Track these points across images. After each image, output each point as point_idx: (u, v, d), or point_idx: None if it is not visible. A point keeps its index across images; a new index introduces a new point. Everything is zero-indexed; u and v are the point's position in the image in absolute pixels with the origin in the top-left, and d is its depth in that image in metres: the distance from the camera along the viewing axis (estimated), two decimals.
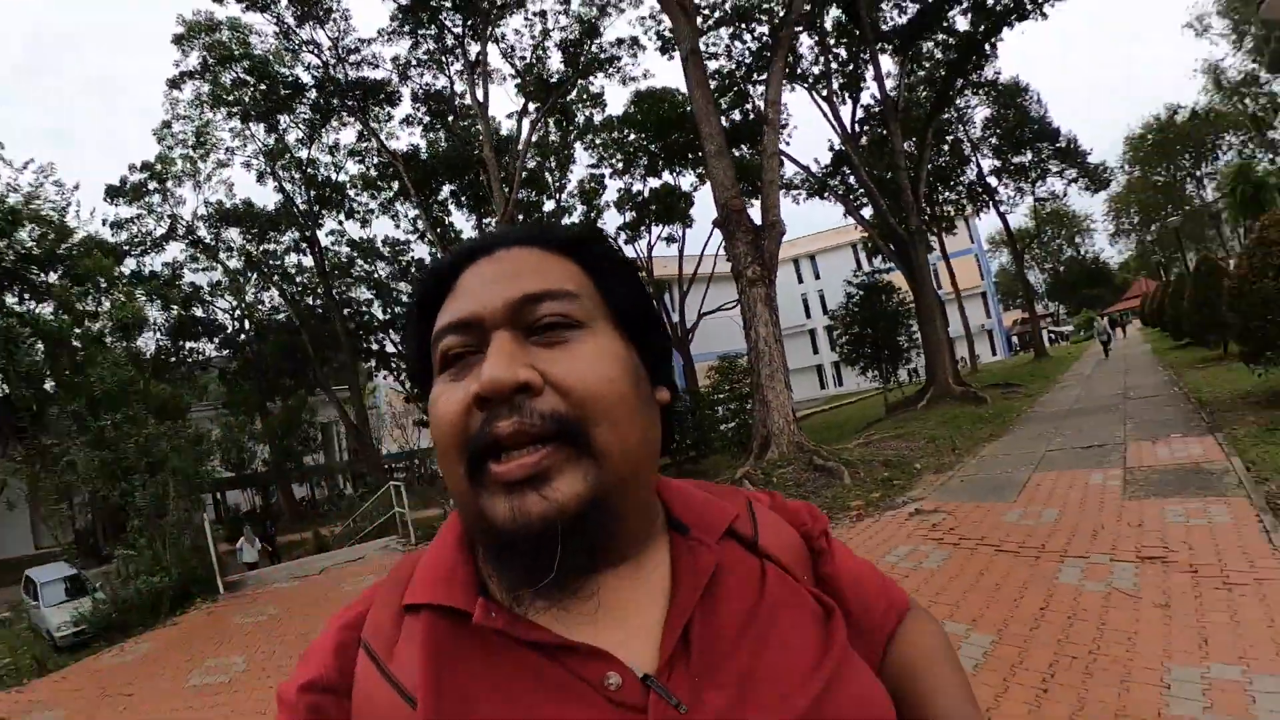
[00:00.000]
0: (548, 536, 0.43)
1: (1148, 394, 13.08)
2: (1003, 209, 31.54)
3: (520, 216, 19.96)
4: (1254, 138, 36.33)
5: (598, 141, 26.09)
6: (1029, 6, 17.47)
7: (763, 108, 14.09)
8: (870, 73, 19.66)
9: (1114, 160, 43.71)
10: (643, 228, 28.93)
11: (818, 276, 50.51)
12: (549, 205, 26.72)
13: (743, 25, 19.90)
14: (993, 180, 30.19)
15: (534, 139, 22.22)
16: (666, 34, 18.66)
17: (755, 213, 11.76)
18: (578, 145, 26.30)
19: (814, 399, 42.97)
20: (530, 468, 0.44)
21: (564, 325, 0.49)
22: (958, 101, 25.98)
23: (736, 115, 20.75)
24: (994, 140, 28.75)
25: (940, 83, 21.46)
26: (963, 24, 19.31)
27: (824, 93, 20.71)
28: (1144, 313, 38.20)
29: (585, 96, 24.63)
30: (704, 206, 39.11)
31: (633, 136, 24.62)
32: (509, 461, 0.44)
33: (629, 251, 28.45)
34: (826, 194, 22.72)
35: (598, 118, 25.45)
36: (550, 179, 26.67)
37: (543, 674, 0.45)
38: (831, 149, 22.25)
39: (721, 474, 11.54)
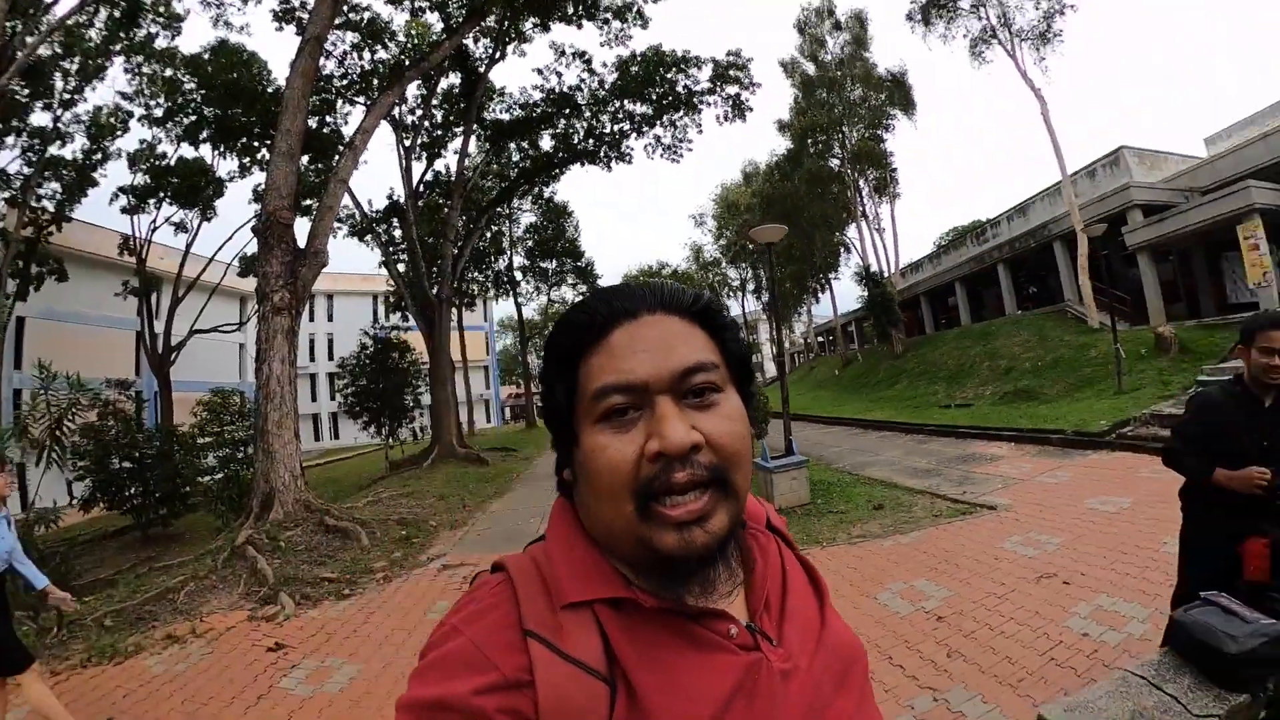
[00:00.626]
0: (708, 557, 0.59)
1: None
2: (520, 300, 36.26)
3: None
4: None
5: (145, 71, 20.00)
6: (601, 158, 20.63)
7: (351, 132, 13.15)
8: (455, 145, 20.32)
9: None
10: (152, 201, 22.52)
11: (331, 319, 47.95)
12: (41, 117, 19.08)
13: (372, 42, 18.33)
14: (519, 275, 34.86)
15: (70, 20, 15.87)
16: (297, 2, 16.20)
17: (300, 235, 10.51)
18: (120, 60, 19.63)
19: (310, 450, 39.28)
20: (697, 511, 0.58)
21: (711, 390, 0.62)
22: (515, 202, 29.21)
23: (314, 122, 18.57)
24: (530, 243, 33.73)
25: (510, 181, 23.45)
26: (547, 145, 21.54)
27: (407, 142, 20.25)
28: None
29: (162, 9, 18.96)
30: (233, 204, 32.52)
31: (191, 86, 19.13)
32: (681, 505, 0.57)
33: (125, 224, 22.60)
34: (368, 238, 21.70)
35: (162, 41, 19.64)
36: (62, 82, 18.92)
37: (692, 634, 0.61)
38: (390, 198, 21.57)
39: (208, 539, 9.55)
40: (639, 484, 0.57)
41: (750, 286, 50.03)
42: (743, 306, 51.37)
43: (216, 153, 21.04)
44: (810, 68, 29.01)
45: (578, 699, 0.55)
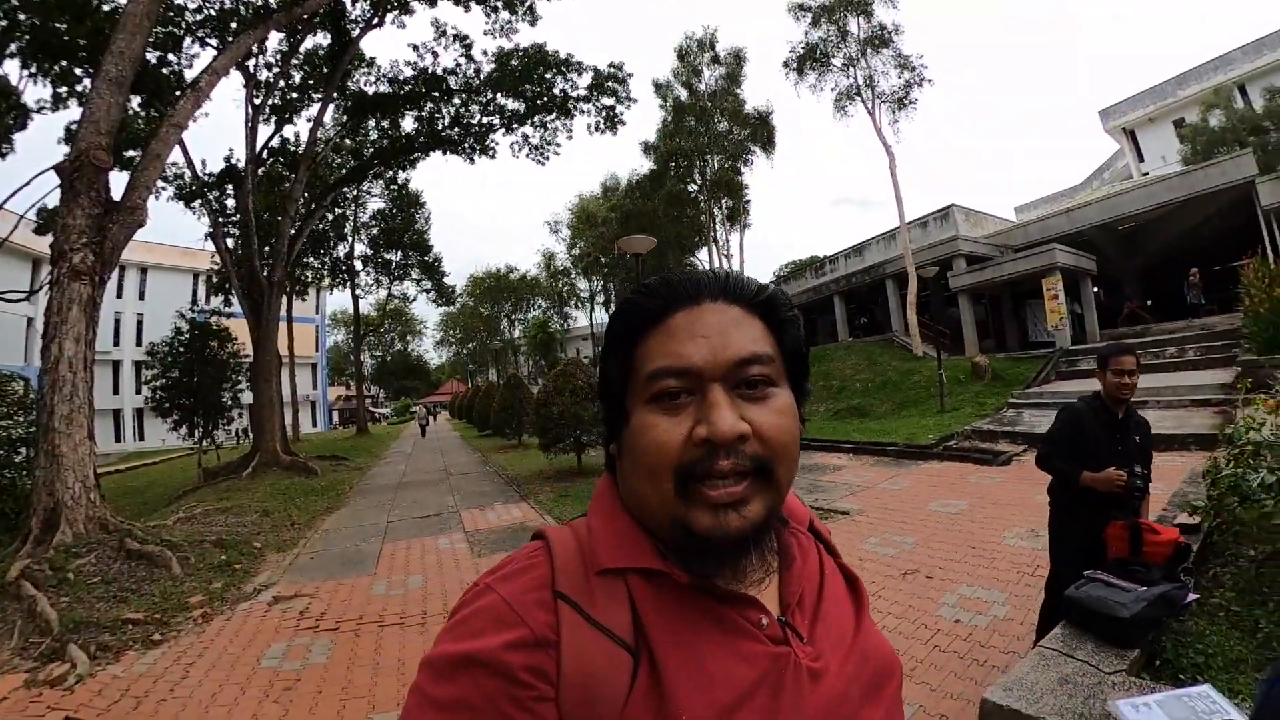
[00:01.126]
0: (741, 542, 0.59)
1: (466, 471, 15.34)
2: (358, 292, 33.34)
3: None
4: (554, 306, 51.66)
5: None
6: (464, 149, 19.74)
7: (198, 74, 11.05)
8: (310, 112, 18.25)
9: (457, 286, 53.28)
10: None
11: (143, 296, 39.76)
12: None
13: None
14: (359, 264, 32.00)
15: None
16: None
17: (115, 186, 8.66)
18: None
19: (109, 454, 32.44)
20: (736, 495, 0.58)
21: (764, 383, 0.62)
22: (365, 184, 27.02)
23: (154, 58, 15.49)
24: (375, 231, 31.06)
25: (364, 161, 21.63)
26: (409, 127, 20.16)
27: (258, 100, 17.87)
28: (454, 407, 45.73)
29: None
30: (39, 143, 25.82)
31: None
32: (720, 488, 0.58)
33: None
34: (197, 204, 18.56)
35: None
36: None
37: (722, 617, 0.61)
38: (229, 161, 18.72)
39: None
40: (681, 465, 0.58)
41: (600, 299, 49.28)
42: (590, 319, 50.87)
43: (26, 73, 17.18)
44: (684, 94, 29.92)
45: (600, 664, 0.55)
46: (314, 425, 47.20)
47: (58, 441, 7.23)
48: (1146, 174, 31.50)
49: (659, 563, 0.61)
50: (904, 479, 9.45)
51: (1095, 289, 21.42)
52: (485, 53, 18.87)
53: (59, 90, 15.78)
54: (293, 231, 17.81)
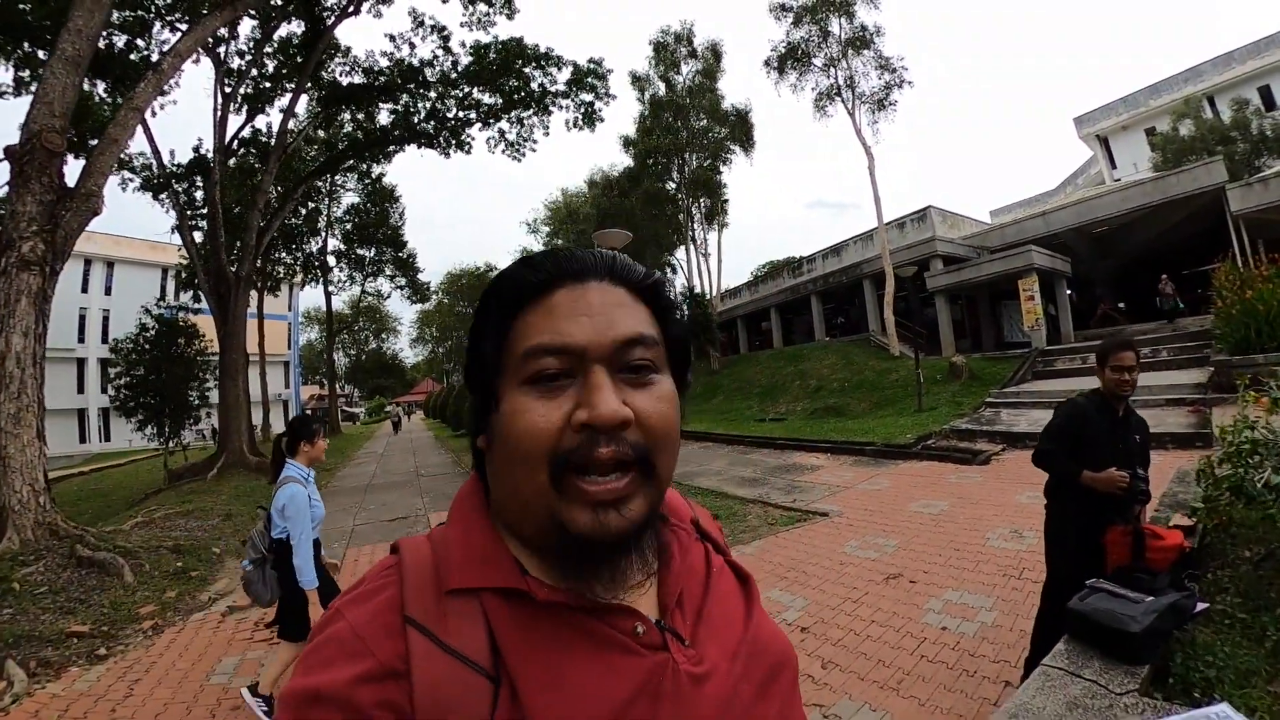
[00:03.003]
0: (621, 543, 0.55)
1: (437, 472, 15.10)
2: (331, 289, 32.65)
3: None
4: None
5: None
6: (439, 143, 19.31)
7: (159, 55, 10.75)
8: (283, 102, 17.68)
9: (433, 284, 52.67)
10: None
11: (109, 292, 38.01)
12: None
13: None
14: (332, 260, 31.29)
15: None
16: None
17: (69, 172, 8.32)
18: None
19: (73, 455, 31.93)
20: (617, 492, 0.54)
21: (648, 368, 0.58)
22: (338, 178, 26.40)
23: (121, 41, 15.00)
24: (349, 226, 30.32)
25: (338, 152, 21.12)
26: (385, 120, 19.76)
27: (228, 88, 17.30)
28: (429, 406, 44.87)
29: None
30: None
31: None
32: (601, 484, 0.53)
33: None
34: (164, 196, 17.88)
35: None
36: None
37: (591, 631, 0.56)
38: (197, 151, 18.10)
39: None
40: (558, 453, 0.53)
41: None
42: None
43: None
44: (661, 89, 29.65)
45: (455, 693, 0.51)
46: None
47: (4, 443, 6.92)
48: (1119, 180, 32.29)
49: (515, 580, 0.56)
50: (883, 479, 9.34)
51: (1070, 291, 21.67)
52: (463, 45, 18.33)
53: (21, 74, 15.08)
54: (261, 225, 17.20)
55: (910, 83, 22.22)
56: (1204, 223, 18.82)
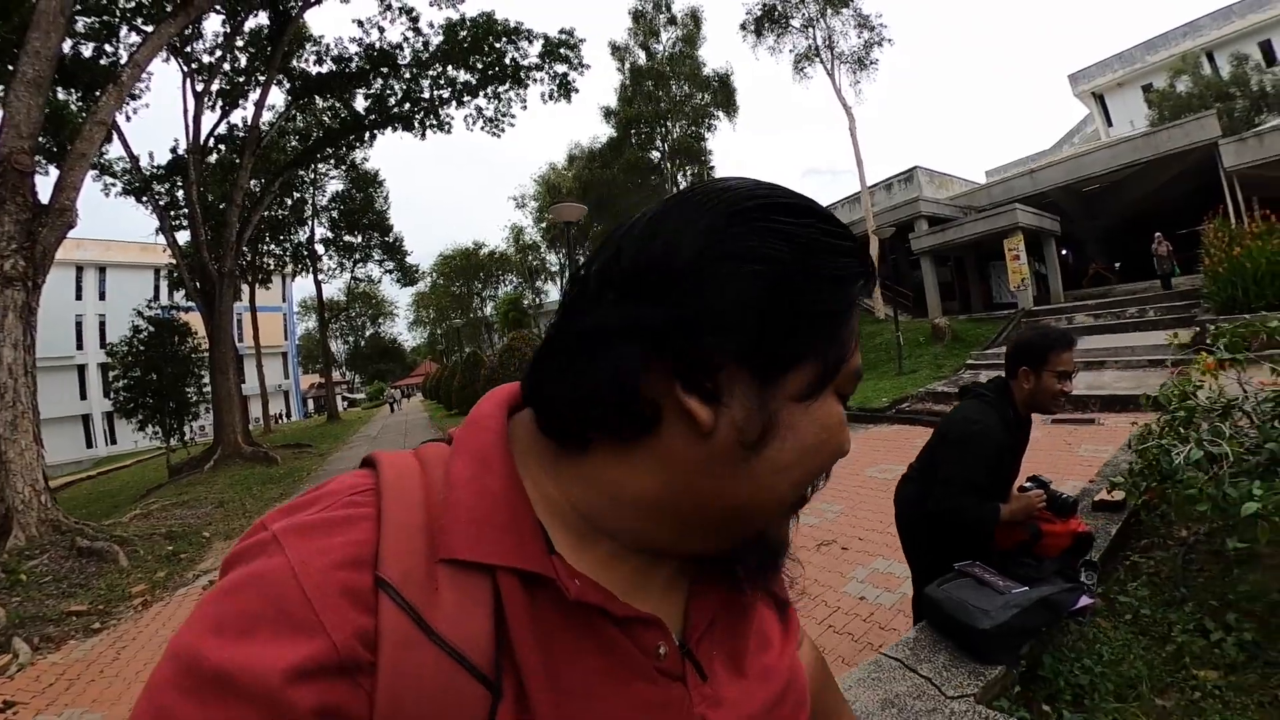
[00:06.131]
0: (784, 557, 0.52)
1: None
2: (321, 277, 32.55)
3: None
4: (525, 282, 50.79)
5: None
6: (416, 125, 19.09)
7: (122, 61, 10.77)
8: (255, 95, 17.53)
9: (426, 265, 52.90)
10: None
11: (103, 297, 37.60)
12: None
13: None
14: (321, 248, 31.24)
15: None
16: None
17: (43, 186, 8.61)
18: None
19: (81, 460, 32.35)
20: None
21: None
22: (319, 166, 26.26)
23: (89, 49, 14.89)
24: (335, 214, 30.22)
25: (314, 142, 20.92)
26: (361, 104, 19.47)
27: (200, 86, 17.19)
28: (426, 388, 45.19)
29: None
30: None
31: None
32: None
33: None
34: (146, 199, 17.87)
35: None
36: None
37: (611, 643, 0.43)
38: (174, 151, 17.93)
39: None
40: (823, 474, 0.49)
41: (570, 271, 49.35)
42: (563, 291, 51.00)
43: None
44: (641, 57, 29.29)
45: (437, 702, 0.36)
46: (288, 415, 46.68)
47: (4, 449, 7.42)
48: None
49: (540, 563, 0.41)
50: (851, 443, 9.27)
51: (1062, 250, 21.43)
52: (432, 25, 18.14)
53: None
54: (241, 220, 17.27)
55: (891, 40, 21.97)
56: (1198, 180, 18.39)
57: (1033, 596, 2.03)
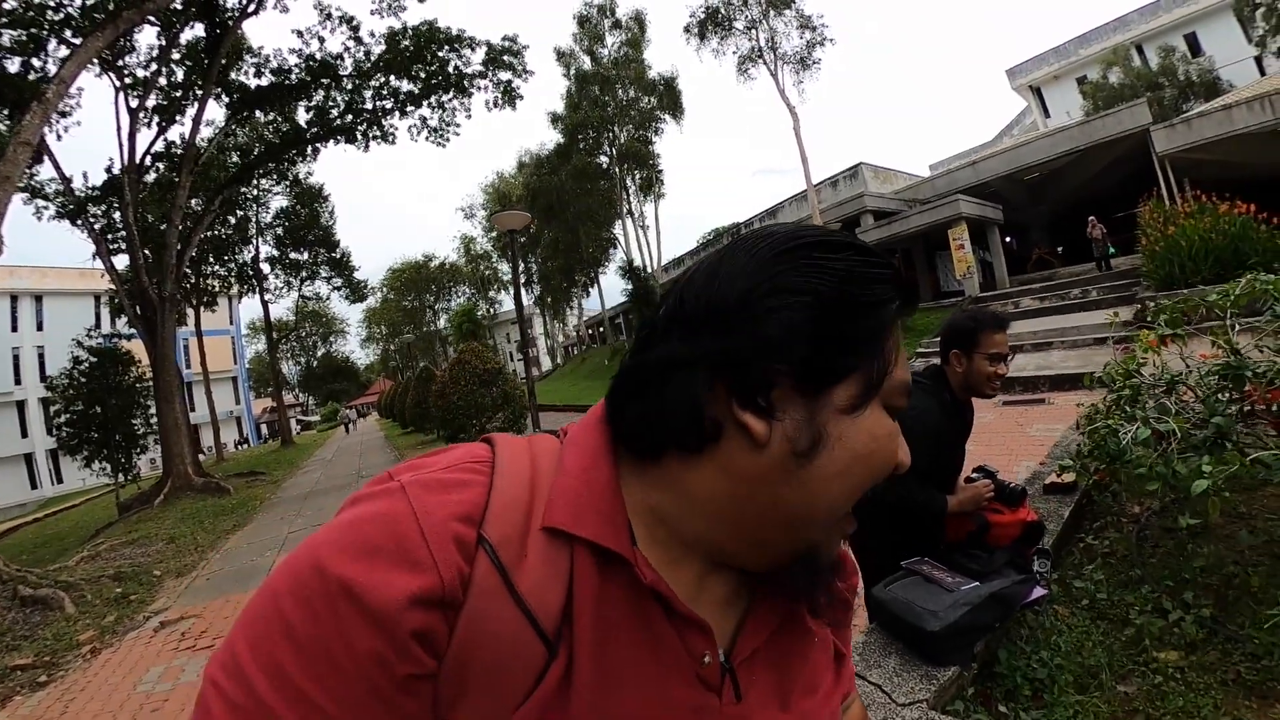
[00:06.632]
0: (833, 577, 0.56)
1: (378, 472, 14.71)
2: (268, 297, 31.37)
3: None
4: (479, 292, 50.67)
5: None
6: (359, 137, 18.60)
7: (49, 76, 10.32)
8: (193, 111, 16.75)
9: (378, 281, 52.49)
10: None
11: (41, 327, 35.96)
12: None
13: None
14: (266, 267, 30.24)
15: None
16: None
17: None
18: None
19: (25, 503, 30.85)
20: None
21: None
22: (262, 182, 25.50)
23: (16, 64, 14.04)
24: (279, 231, 29.32)
25: (255, 157, 20.18)
26: (302, 117, 18.92)
27: (134, 102, 16.36)
28: (382, 406, 44.21)
29: None
30: None
31: None
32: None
33: None
34: (81, 222, 16.92)
35: None
36: None
37: (661, 637, 0.48)
38: (109, 171, 17.00)
39: None
40: (876, 484, 0.51)
41: (523, 280, 48.79)
42: (518, 302, 50.09)
43: None
44: (587, 62, 29.21)
45: (504, 651, 0.42)
46: (241, 441, 44.83)
47: None
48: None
49: (624, 545, 0.47)
50: None
51: (1007, 238, 22.01)
52: (374, 34, 17.74)
53: None
54: (179, 243, 16.52)
55: (833, 40, 22.40)
56: (1132, 165, 19.25)
57: (983, 593, 1.96)
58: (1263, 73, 26.54)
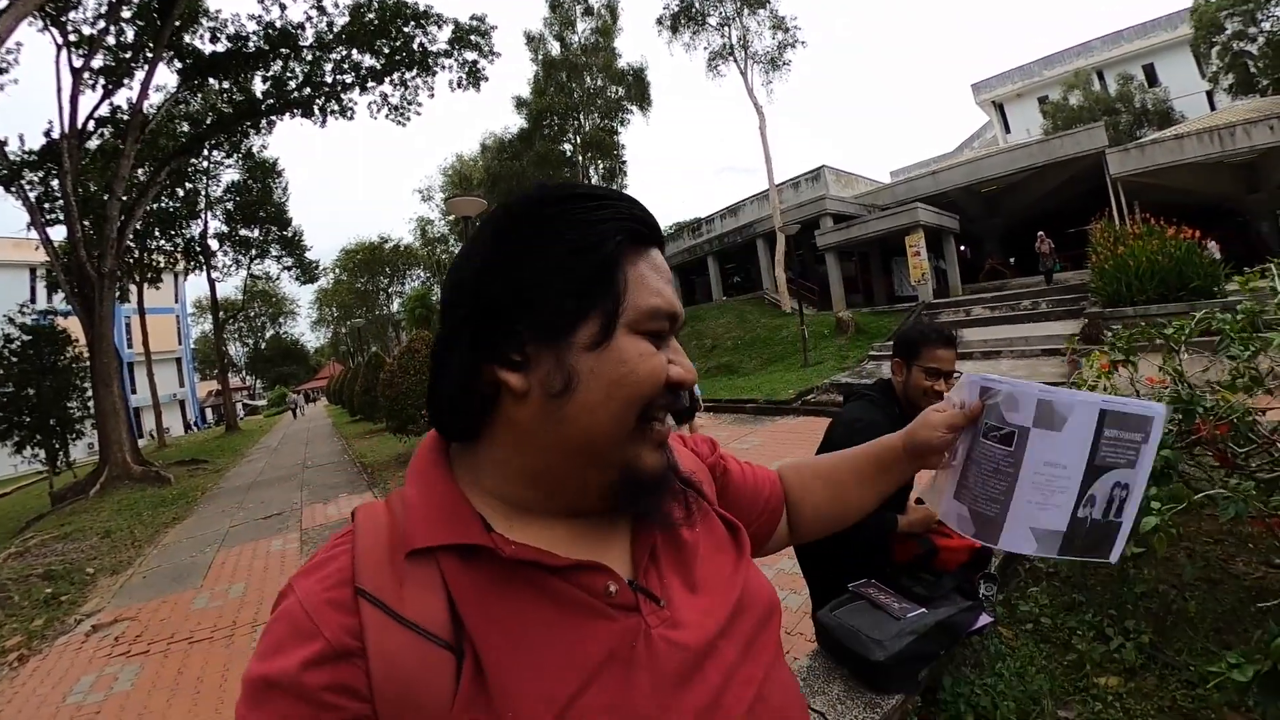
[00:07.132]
0: (671, 482, 0.61)
1: (323, 462, 14.46)
2: (215, 275, 29.91)
3: None
4: (434, 276, 49.16)
5: None
6: (316, 111, 17.99)
7: None
8: (142, 75, 15.79)
9: (331, 261, 51.12)
10: None
11: None
12: None
13: None
14: (215, 243, 28.90)
15: None
16: None
17: None
18: None
19: None
20: (667, 433, 0.59)
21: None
22: (214, 154, 24.45)
23: None
24: (230, 206, 28.08)
25: (207, 127, 19.21)
26: (259, 87, 18.04)
27: (78, 62, 15.22)
28: (331, 392, 43.05)
29: None
30: None
31: None
32: (665, 428, 0.58)
33: None
34: (15, 189, 15.61)
35: None
36: None
37: (556, 593, 0.54)
38: (48, 135, 15.86)
39: None
40: (655, 399, 0.56)
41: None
42: None
43: None
44: (556, 48, 28.79)
45: (415, 670, 0.48)
46: (185, 427, 42.61)
47: None
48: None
49: (478, 536, 0.53)
50: (757, 436, 9.42)
51: (961, 247, 22.56)
52: (338, 4, 17.04)
53: None
54: (121, 215, 15.64)
55: (804, 42, 22.54)
56: (1086, 185, 19.98)
57: (929, 621, 1.92)
58: (1213, 107, 28.01)
